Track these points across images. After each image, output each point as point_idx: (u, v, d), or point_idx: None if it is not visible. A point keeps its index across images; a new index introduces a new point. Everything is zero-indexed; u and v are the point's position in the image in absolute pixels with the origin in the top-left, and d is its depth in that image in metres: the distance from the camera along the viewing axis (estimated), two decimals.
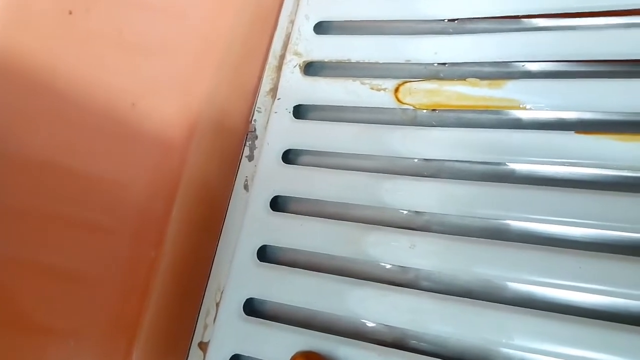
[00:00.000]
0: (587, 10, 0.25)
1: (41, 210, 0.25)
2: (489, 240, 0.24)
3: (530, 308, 0.23)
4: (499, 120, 0.26)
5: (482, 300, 0.23)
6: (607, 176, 0.23)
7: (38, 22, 0.22)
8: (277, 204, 0.28)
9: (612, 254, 0.22)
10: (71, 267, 0.27)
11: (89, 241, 0.28)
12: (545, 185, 0.24)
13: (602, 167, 0.23)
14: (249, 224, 0.28)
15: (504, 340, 0.22)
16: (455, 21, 0.29)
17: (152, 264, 0.28)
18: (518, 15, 0.28)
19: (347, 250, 0.26)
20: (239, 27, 0.31)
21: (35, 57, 0.22)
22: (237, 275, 0.27)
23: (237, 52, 0.31)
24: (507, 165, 0.25)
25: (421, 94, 0.27)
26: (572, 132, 0.24)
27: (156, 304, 0.27)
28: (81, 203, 0.27)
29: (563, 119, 0.25)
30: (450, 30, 0.29)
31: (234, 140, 0.31)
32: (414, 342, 0.24)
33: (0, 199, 0.22)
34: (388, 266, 0.25)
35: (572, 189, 0.24)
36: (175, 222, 0.28)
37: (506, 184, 0.25)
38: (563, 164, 0.24)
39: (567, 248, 0.23)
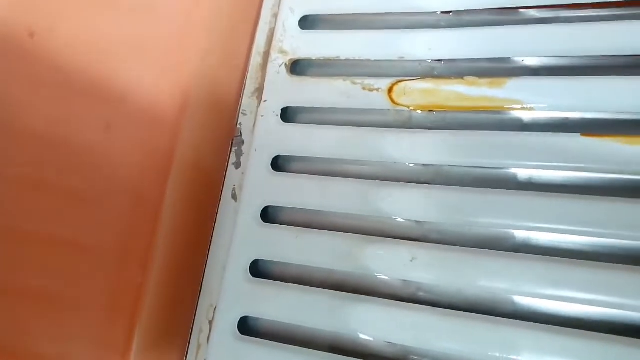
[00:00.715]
0: (592, 2, 0.24)
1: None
2: (492, 251, 0.23)
3: (536, 322, 0.22)
4: (500, 122, 0.25)
5: (487, 314, 0.22)
6: (615, 181, 0.22)
7: None
8: (269, 214, 0.27)
9: (622, 265, 0.21)
10: (52, 289, 0.26)
11: (69, 261, 0.27)
12: (550, 191, 0.23)
13: (609, 172, 0.22)
14: (240, 237, 0.27)
15: (510, 357, 0.21)
16: (450, 13, 0.27)
17: (140, 282, 0.26)
18: (518, 7, 0.26)
19: (345, 264, 0.25)
20: (218, 19, 0.29)
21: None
22: (230, 292, 0.26)
23: (216, 51, 0.29)
24: (509, 170, 0.24)
25: (416, 94, 0.26)
26: (578, 134, 0.23)
27: (147, 321, 0.26)
28: (59, 223, 0.26)
29: (568, 120, 0.24)
30: (445, 23, 0.27)
31: (219, 146, 0.29)
32: (416, 358, 0.23)
33: None
34: (388, 280, 0.24)
35: (578, 195, 0.22)
36: (162, 235, 0.27)
37: (508, 190, 0.24)
38: (568, 168, 0.23)
39: (574, 258, 0.22)
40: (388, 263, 0.24)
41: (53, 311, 0.26)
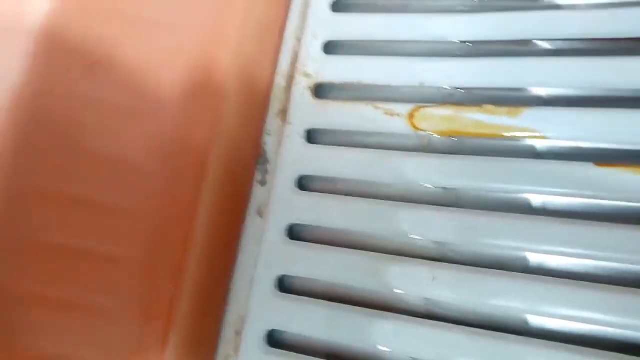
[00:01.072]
0: (606, 36, 0.25)
1: None
2: (507, 272, 0.25)
3: (550, 340, 0.23)
4: (516, 149, 0.26)
5: (502, 332, 0.24)
6: (627, 209, 0.24)
7: None
8: (294, 232, 0.28)
9: (633, 288, 0.23)
10: (86, 300, 0.27)
11: (105, 274, 0.28)
12: (563, 217, 0.25)
13: (621, 200, 0.24)
14: (267, 253, 0.28)
15: None
16: (468, 43, 0.28)
17: (172, 293, 0.27)
18: (533, 39, 0.27)
19: (368, 282, 0.26)
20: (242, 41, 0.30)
21: None
22: (258, 306, 0.27)
23: (240, 73, 0.30)
24: (524, 196, 0.26)
25: (437, 120, 0.27)
26: (591, 163, 0.24)
27: (179, 330, 0.27)
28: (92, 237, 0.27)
29: (581, 149, 0.25)
30: (463, 52, 0.28)
31: (245, 164, 0.30)
32: None
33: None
34: (410, 298, 0.26)
35: (590, 221, 0.24)
36: (192, 250, 0.28)
37: (523, 214, 0.25)
38: (581, 195, 0.24)
39: (586, 281, 0.23)
40: (410, 281, 0.25)
41: (87, 321, 0.27)
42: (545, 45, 0.27)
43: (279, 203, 0.29)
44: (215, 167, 0.28)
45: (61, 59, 0.24)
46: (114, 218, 0.28)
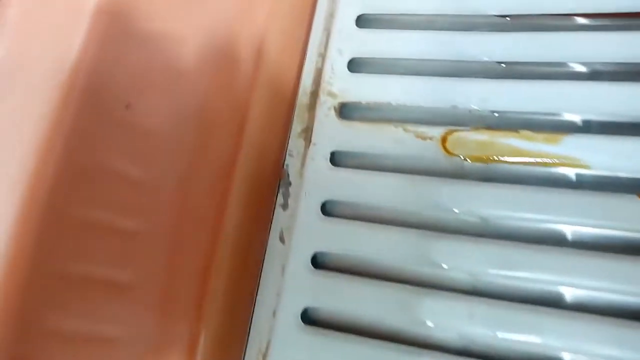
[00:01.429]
0: None
1: None
2: (545, 308, 0.24)
3: None
4: (555, 178, 0.25)
5: None
6: None
7: None
8: (319, 260, 0.27)
9: None
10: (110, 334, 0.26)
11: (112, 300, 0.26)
12: (604, 251, 0.23)
13: None
14: (290, 283, 0.27)
15: None
16: (502, 64, 0.27)
17: (190, 330, 0.26)
18: (570, 61, 0.26)
19: (401, 318, 0.25)
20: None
21: None
22: (281, 340, 0.26)
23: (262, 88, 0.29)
24: (563, 228, 0.24)
25: (471, 145, 0.26)
26: (634, 195, 0.23)
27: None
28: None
29: (625, 179, 0.24)
30: (497, 73, 0.27)
31: (267, 187, 0.29)
32: None
33: None
34: (447, 336, 0.24)
35: (635, 257, 0.23)
36: (215, 276, 0.27)
37: (562, 247, 0.24)
38: (624, 229, 0.23)
39: (629, 319, 0.22)
40: (446, 318, 0.24)
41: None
42: (582, 68, 0.26)
43: (302, 229, 0.27)
44: (239, 194, 0.27)
45: (114, 38, 0.22)
46: (140, 246, 0.26)
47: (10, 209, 0.19)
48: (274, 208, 0.29)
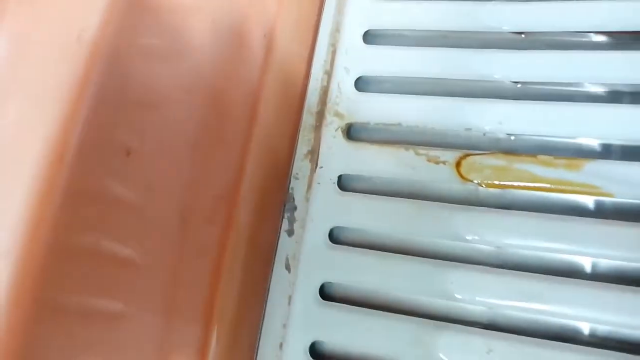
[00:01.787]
0: None
1: None
2: (567, 345, 0.22)
3: None
4: (577, 207, 0.24)
5: None
6: None
7: None
8: (327, 291, 0.26)
9: None
10: None
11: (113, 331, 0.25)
12: (626, 284, 0.22)
13: None
14: (297, 315, 0.25)
15: None
16: (518, 84, 0.26)
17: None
18: (588, 82, 0.25)
19: (414, 353, 0.24)
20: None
21: None
22: None
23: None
24: (584, 259, 0.23)
25: (487, 170, 0.25)
26: None
27: None
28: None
29: None
30: (513, 94, 0.26)
31: (272, 210, 0.28)
32: None
33: None
34: None
35: None
36: (218, 308, 0.25)
37: (582, 280, 0.23)
38: None
39: None
40: (463, 354, 0.23)
41: None
42: (602, 89, 0.25)
43: (309, 258, 0.26)
44: (244, 218, 0.25)
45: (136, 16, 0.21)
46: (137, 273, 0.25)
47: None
48: (279, 233, 0.27)
